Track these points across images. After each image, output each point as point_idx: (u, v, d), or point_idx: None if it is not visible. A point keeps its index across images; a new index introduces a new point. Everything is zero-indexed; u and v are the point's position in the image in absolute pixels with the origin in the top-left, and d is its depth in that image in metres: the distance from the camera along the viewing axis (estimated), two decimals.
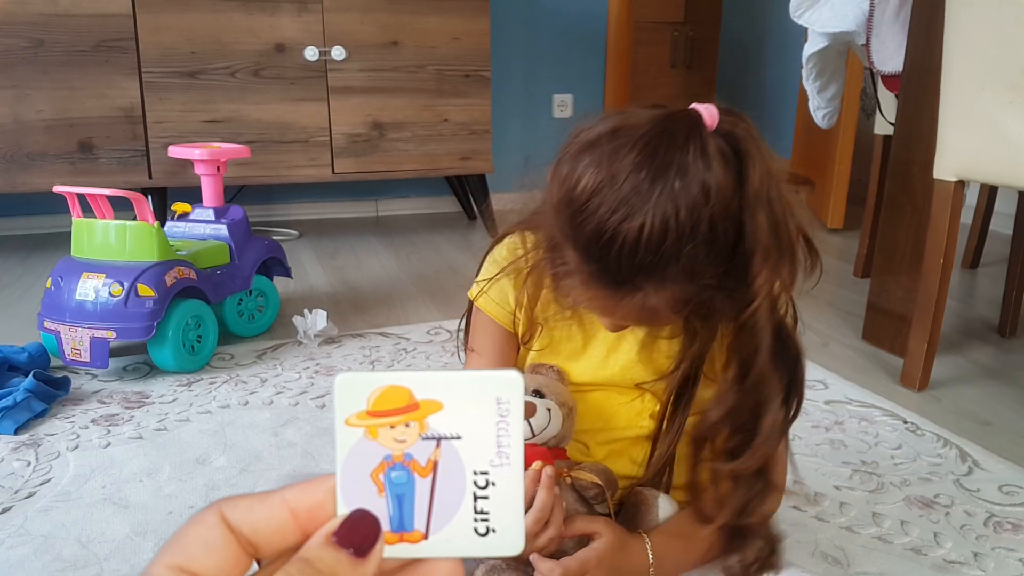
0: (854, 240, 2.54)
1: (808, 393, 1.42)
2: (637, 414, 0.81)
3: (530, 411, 0.72)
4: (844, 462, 1.22)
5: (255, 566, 0.27)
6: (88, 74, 2.24)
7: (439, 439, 0.27)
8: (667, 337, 0.77)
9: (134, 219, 1.46)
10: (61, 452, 1.20)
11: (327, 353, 1.62)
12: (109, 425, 1.29)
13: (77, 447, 1.22)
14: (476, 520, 0.27)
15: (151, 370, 1.51)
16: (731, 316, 0.64)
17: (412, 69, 2.49)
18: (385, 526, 0.27)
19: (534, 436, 0.73)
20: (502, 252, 0.81)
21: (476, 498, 0.28)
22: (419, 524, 0.27)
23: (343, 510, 0.27)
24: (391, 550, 0.27)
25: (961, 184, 1.46)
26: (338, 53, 2.41)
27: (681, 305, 0.63)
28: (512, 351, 0.83)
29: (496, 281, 0.80)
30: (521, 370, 0.81)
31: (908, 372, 1.53)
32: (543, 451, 0.73)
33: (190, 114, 2.35)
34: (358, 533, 0.26)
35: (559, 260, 0.66)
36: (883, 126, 2.17)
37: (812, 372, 1.55)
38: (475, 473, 0.27)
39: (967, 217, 2.21)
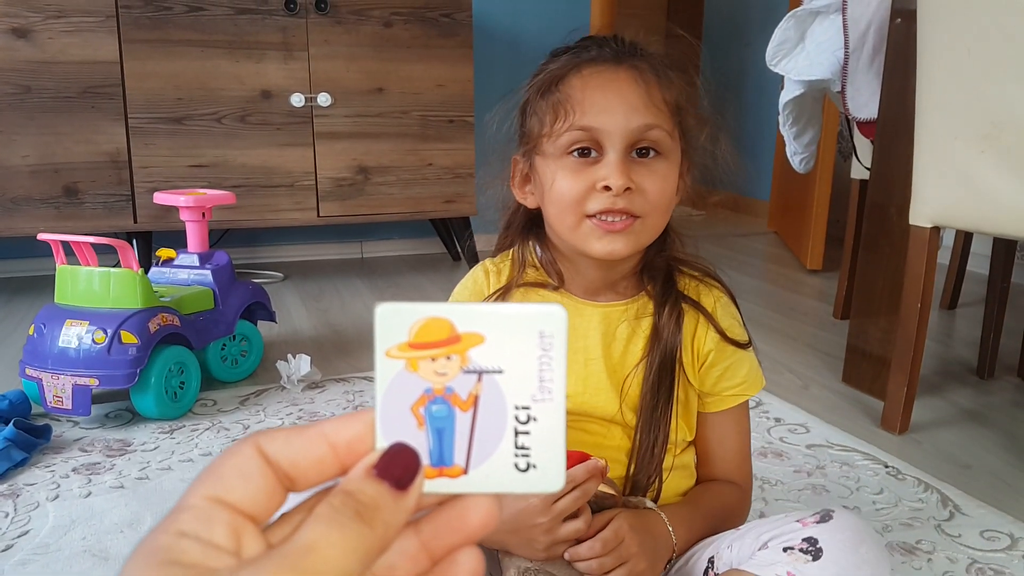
0: (832, 281, 2.57)
1: (789, 437, 1.45)
2: (616, 450, 0.81)
3: None
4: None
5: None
6: (74, 120, 2.25)
7: (480, 373, 0.27)
8: (639, 315, 0.81)
9: (118, 265, 1.46)
10: (41, 502, 1.19)
11: (310, 398, 1.61)
12: (90, 474, 1.28)
13: (57, 497, 1.21)
14: (517, 455, 0.27)
15: (133, 417, 1.50)
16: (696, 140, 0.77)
17: (397, 115, 2.52)
18: (425, 460, 0.26)
19: None
20: (465, 285, 0.86)
21: (517, 433, 0.27)
22: (459, 459, 0.27)
23: (382, 444, 0.26)
24: (431, 484, 0.26)
25: (936, 230, 1.48)
26: (324, 99, 2.44)
27: (668, 93, 0.73)
28: None
29: None
30: None
31: (888, 415, 1.54)
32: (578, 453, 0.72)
33: (176, 159, 2.36)
34: (398, 466, 0.25)
35: (541, 116, 0.75)
36: (859, 171, 2.22)
37: (793, 415, 1.56)
38: (516, 408, 0.27)
39: (944, 258, 2.25)
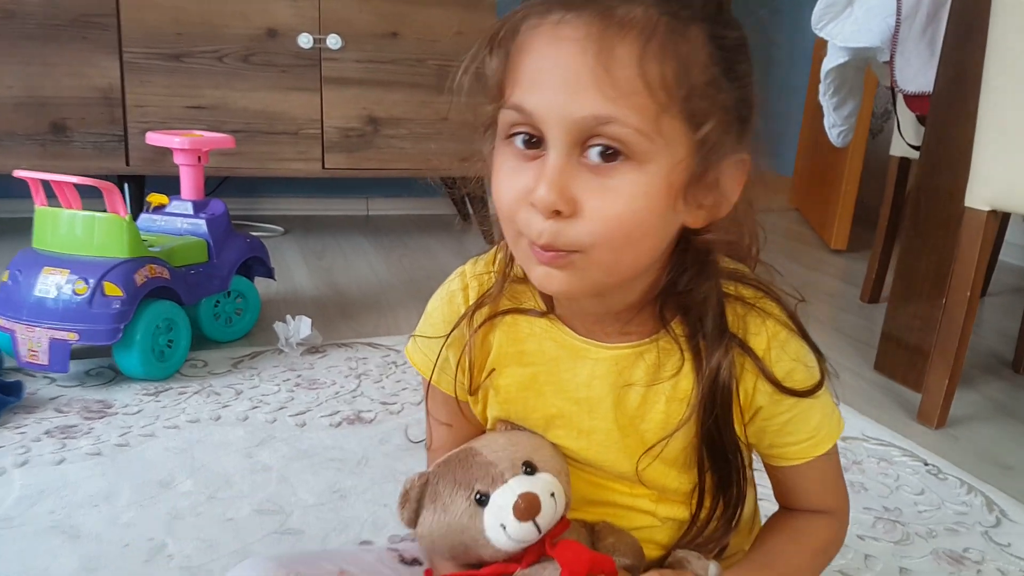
0: (857, 263, 2.49)
1: None
2: (648, 516, 0.66)
3: (534, 508, 0.57)
4: (866, 508, 1.13)
5: None
6: (64, 50, 2.11)
7: None
8: (669, 376, 0.60)
9: (104, 210, 1.34)
10: (7, 469, 1.08)
11: (310, 364, 1.51)
12: (65, 438, 1.17)
13: (26, 463, 1.10)
14: None
15: (116, 376, 1.39)
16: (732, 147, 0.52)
17: (411, 63, 2.39)
18: None
19: (541, 533, 0.59)
20: (440, 309, 0.67)
21: None
22: None
23: None
24: None
25: (994, 214, 1.38)
26: (334, 41, 2.30)
27: (665, 70, 0.48)
28: (473, 415, 0.69)
29: (431, 343, 0.66)
30: (483, 424, 0.68)
31: (926, 408, 1.45)
32: (577, 547, 0.58)
33: (173, 99, 2.23)
34: None
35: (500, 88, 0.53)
36: (899, 147, 2.10)
37: None
38: None
39: None
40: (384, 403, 1.36)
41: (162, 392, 1.35)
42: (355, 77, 2.36)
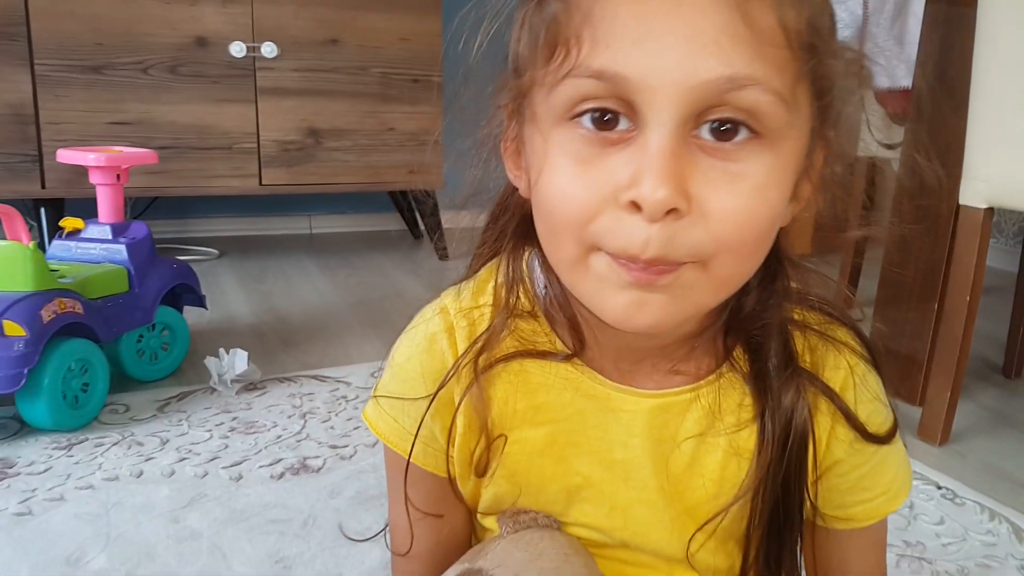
0: (822, 268, 2.42)
1: None
2: None
3: None
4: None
5: None
6: None
7: None
8: (731, 429, 0.48)
9: (3, 237, 1.19)
10: None
11: (247, 403, 1.34)
12: None
13: None
14: None
15: (21, 428, 1.21)
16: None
17: (354, 71, 2.27)
18: None
19: None
20: (416, 359, 0.51)
21: None
22: None
23: None
24: None
25: (991, 211, 1.32)
26: (269, 50, 2.17)
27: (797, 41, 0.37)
28: (453, 497, 0.53)
29: (407, 406, 0.51)
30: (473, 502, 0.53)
31: (927, 424, 1.36)
32: None
33: (93, 115, 2.06)
34: None
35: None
36: (868, 147, 2.03)
37: None
38: None
39: None
40: (333, 447, 1.20)
41: (75, 445, 1.17)
42: (293, 87, 2.23)
